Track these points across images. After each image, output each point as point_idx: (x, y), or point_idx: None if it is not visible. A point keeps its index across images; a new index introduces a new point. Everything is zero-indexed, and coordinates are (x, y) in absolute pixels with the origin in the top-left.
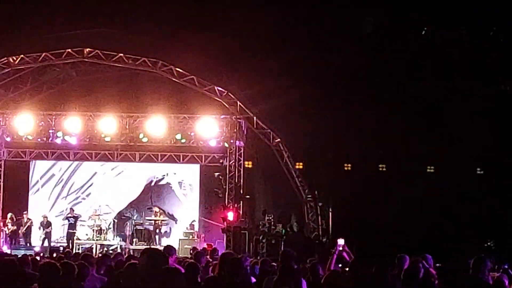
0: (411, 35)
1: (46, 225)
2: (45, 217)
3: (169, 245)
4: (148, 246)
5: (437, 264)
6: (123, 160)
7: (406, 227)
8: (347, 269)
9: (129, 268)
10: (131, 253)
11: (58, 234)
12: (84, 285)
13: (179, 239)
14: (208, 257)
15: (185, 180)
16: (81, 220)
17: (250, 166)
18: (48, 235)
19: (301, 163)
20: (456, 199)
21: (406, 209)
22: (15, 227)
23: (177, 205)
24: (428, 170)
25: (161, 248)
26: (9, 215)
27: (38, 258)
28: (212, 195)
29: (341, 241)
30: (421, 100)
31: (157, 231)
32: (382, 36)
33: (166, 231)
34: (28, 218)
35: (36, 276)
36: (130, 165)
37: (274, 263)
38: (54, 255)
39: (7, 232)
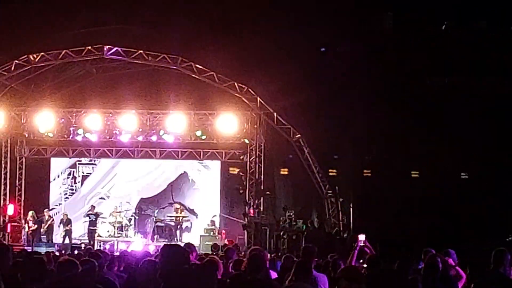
0: (431, 30)
1: (66, 222)
2: (65, 214)
3: (189, 243)
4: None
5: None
6: (144, 157)
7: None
8: (365, 265)
9: (147, 265)
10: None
11: (80, 232)
12: (103, 282)
13: (200, 235)
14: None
15: (206, 176)
16: (102, 217)
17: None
18: (68, 233)
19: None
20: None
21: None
22: (36, 226)
23: (198, 201)
24: (462, 177)
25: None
26: (30, 213)
27: (58, 254)
28: (232, 191)
29: (362, 237)
30: (439, 96)
31: (178, 227)
32: (402, 31)
33: (187, 227)
34: (49, 216)
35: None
36: (151, 162)
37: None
38: (75, 252)
39: (27, 230)
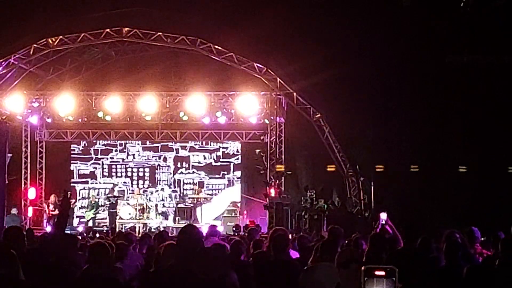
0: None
1: (94, 206)
2: (93, 197)
3: (212, 225)
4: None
5: (483, 238)
6: (164, 139)
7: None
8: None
9: (167, 248)
10: (174, 232)
11: (101, 215)
12: (124, 264)
13: (222, 217)
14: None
15: (226, 157)
16: (123, 200)
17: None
18: (95, 216)
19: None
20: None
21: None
22: (56, 211)
23: (219, 182)
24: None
25: (205, 226)
26: (52, 197)
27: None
28: (253, 172)
29: (383, 215)
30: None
31: (199, 209)
32: (421, 8)
33: (208, 209)
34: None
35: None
36: (170, 143)
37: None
38: (97, 235)
39: (48, 213)
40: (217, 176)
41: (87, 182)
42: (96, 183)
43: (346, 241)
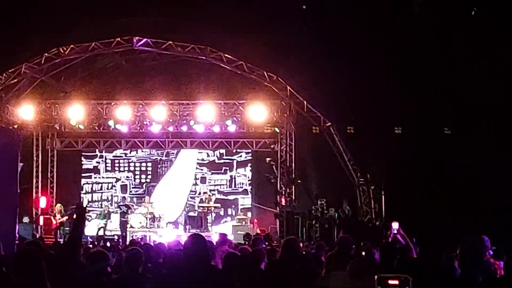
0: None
1: (107, 216)
2: (106, 207)
3: (223, 233)
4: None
5: (493, 247)
6: (174, 148)
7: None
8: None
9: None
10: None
11: (113, 224)
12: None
13: (232, 225)
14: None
15: (236, 165)
16: (134, 208)
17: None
18: (105, 226)
19: None
20: None
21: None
22: (63, 219)
23: (229, 190)
24: None
25: (215, 235)
26: (57, 206)
27: (91, 246)
28: (264, 181)
29: (395, 225)
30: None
31: (210, 217)
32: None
33: (219, 217)
34: None
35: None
36: (181, 152)
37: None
38: (108, 244)
39: (55, 222)
40: (219, 172)
41: (90, 177)
42: (99, 177)
43: (356, 249)
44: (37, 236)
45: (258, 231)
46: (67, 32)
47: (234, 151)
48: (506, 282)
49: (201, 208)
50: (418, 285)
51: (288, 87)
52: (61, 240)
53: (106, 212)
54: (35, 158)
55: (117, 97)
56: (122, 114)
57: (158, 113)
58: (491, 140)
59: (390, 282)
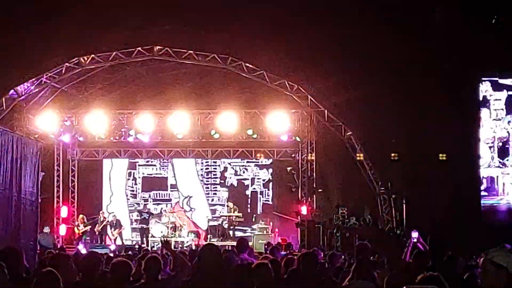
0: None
1: (117, 225)
2: (114, 216)
3: (243, 238)
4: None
5: None
6: (195, 157)
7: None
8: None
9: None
10: None
11: (133, 232)
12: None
13: (254, 234)
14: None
15: (258, 175)
16: (155, 217)
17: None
18: (120, 235)
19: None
20: None
21: None
22: (86, 229)
23: (251, 200)
24: None
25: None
26: (80, 216)
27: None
28: (285, 190)
29: (415, 234)
30: None
31: (231, 227)
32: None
33: (240, 227)
34: (104, 217)
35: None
36: (203, 162)
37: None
38: (130, 253)
39: (77, 232)
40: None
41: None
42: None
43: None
44: (58, 246)
45: (280, 240)
46: (88, 42)
47: (255, 160)
48: None
49: (223, 217)
50: None
51: (309, 96)
52: (84, 250)
53: (115, 221)
54: (56, 168)
55: (138, 107)
56: (143, 123)
57: (179, 122)
58: None
59: None
